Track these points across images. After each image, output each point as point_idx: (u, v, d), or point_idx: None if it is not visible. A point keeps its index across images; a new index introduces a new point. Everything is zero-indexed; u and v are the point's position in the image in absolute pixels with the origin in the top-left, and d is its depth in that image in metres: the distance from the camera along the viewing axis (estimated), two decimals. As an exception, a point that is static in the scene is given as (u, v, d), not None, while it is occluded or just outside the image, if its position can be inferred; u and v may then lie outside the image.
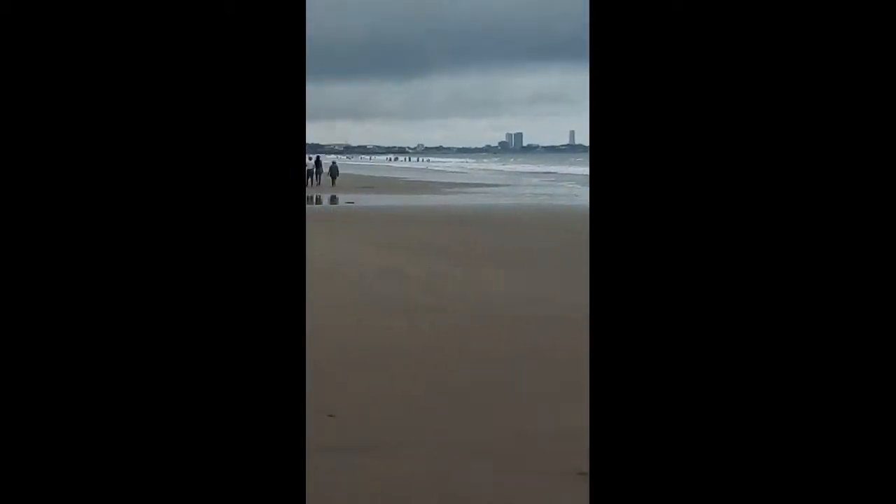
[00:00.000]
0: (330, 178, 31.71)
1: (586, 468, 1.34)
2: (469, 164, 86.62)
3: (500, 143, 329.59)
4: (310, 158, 34.75)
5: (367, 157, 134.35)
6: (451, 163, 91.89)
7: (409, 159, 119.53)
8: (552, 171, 54.31)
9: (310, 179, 30.32)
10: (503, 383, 4.79)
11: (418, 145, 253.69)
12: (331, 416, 4.00)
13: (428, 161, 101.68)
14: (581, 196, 24.48)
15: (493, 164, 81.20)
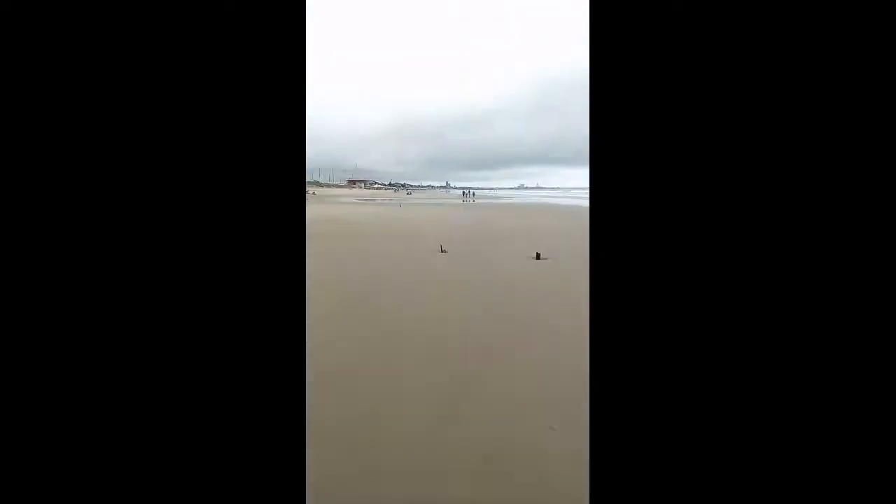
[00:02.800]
0: (473, 198, 71.14)
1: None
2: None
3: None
4: (468, 190, 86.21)
5: (490, 189, 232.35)
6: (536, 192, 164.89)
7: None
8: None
9: (466, 199, 66.99)
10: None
11: (521, 185, 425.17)
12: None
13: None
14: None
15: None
